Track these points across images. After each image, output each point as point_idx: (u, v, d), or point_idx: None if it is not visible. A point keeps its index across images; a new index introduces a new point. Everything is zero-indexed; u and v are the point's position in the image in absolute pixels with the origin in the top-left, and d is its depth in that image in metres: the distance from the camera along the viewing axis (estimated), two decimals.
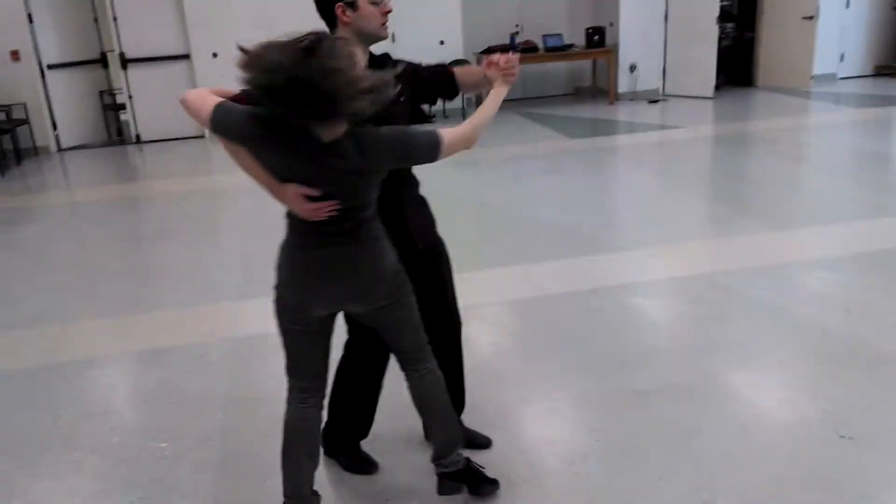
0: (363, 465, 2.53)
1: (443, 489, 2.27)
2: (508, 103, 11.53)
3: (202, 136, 9.16)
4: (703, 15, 9.55)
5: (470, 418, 2.61)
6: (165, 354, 3.52)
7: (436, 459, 2.26)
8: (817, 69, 10.02)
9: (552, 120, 9.18)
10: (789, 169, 6.46)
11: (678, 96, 10.08)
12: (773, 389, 2.95)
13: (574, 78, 11.03)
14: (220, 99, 1.91)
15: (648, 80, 10.26)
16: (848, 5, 10.35)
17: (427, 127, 2.08)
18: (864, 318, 3.49)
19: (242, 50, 1.78)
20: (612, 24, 10.01)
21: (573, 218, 5.30)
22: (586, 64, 10.71)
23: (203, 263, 4.78)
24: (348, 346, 2.43)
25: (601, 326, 3.56)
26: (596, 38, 9.70)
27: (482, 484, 2.31)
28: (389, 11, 2.14)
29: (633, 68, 10.16)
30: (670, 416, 2.77)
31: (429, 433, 2.37)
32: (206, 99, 1.90)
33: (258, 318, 3.83)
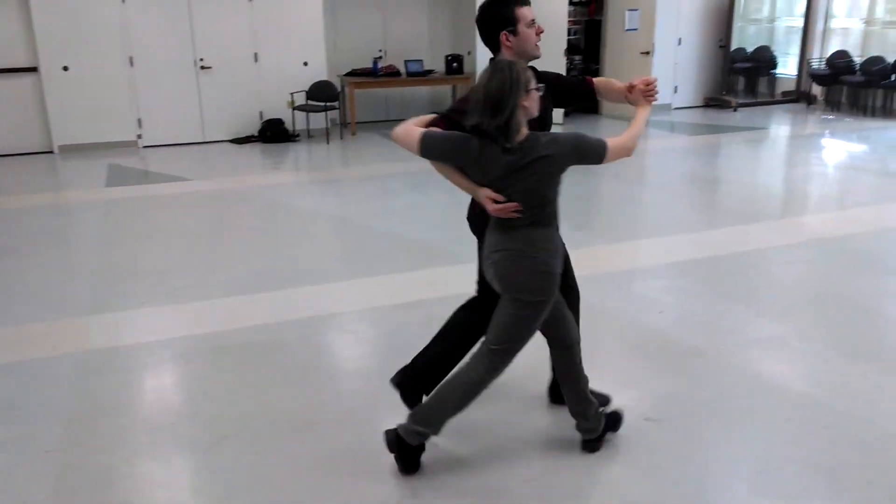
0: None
1: (583, 448, 2.74)
2: (370, 125, 11.53)
3: (51, 152, 8.76)
4: (552, 47, 10.19)
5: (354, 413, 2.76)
6: (4, 371, 3.41)
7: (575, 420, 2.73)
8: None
9: None
10: (625, 189, 7.05)
11: None
12: (593, 382, 3.27)
13: (435, 102, 11.43)
14: (423, 130, 2.37)
15: None
16: (680, 43, 11.38)
17: None
18: (675, 318, 3.93)
19: None
20: (469, 53, 10.48)
21: (430, 233, 5.54)
22: (446, 89, 11.14)
23: (47, 279, 4.62)
24: (472, 303, 2.78)
25: None
26: (455, 65, 10.13)
27: (617, 423, 2.82)
28: (542, 32, 2.57)
29: None
30: (503, 407, 3.03)
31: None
32: (411, 132, 2.37)
33: (106, 333, 3.81)
